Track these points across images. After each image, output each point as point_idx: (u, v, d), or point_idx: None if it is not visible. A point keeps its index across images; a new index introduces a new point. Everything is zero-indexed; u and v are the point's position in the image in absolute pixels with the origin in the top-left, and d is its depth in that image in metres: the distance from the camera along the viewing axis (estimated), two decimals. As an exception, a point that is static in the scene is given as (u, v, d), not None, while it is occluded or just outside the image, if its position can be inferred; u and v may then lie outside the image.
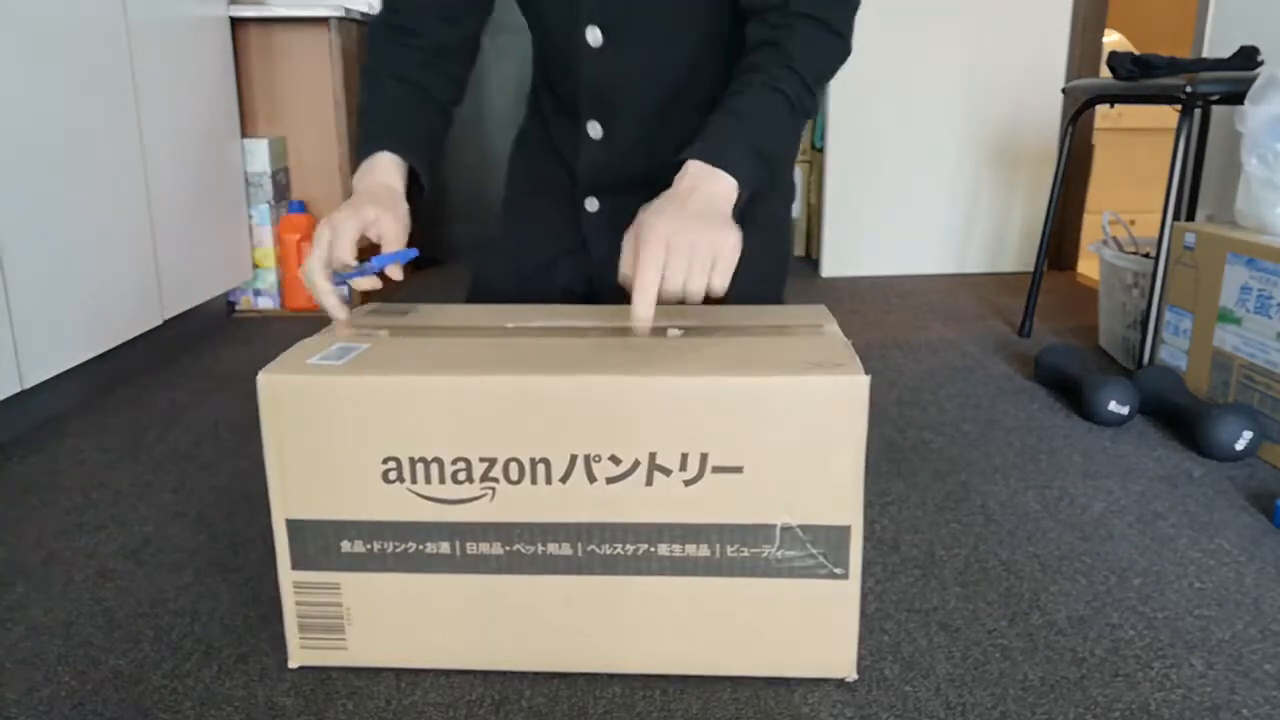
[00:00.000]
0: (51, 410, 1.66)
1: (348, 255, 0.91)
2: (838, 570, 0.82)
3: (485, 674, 0.89)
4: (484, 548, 0.84)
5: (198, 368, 1.96)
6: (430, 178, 1.05)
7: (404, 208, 0.97)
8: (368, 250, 0.95)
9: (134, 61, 1.84)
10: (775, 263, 1.14)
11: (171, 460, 1.45)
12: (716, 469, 0.80)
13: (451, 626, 0.88)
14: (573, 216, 1.15)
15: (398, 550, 0.85)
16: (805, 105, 0.93)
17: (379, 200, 0.94)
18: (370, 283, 0.94)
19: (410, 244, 0.96)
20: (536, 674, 0.89)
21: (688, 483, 0.81)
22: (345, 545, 0.85)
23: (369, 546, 0.85)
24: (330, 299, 0.92)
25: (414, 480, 0.83)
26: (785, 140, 0.95)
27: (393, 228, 0.93)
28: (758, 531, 0.81)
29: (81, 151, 1.68)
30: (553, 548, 0.84)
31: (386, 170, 0.99)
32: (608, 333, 0.90)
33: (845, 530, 0.81)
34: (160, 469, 1.42)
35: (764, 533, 0.81)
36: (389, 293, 0.99)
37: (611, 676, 0.89)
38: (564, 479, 0.81)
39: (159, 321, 1.94)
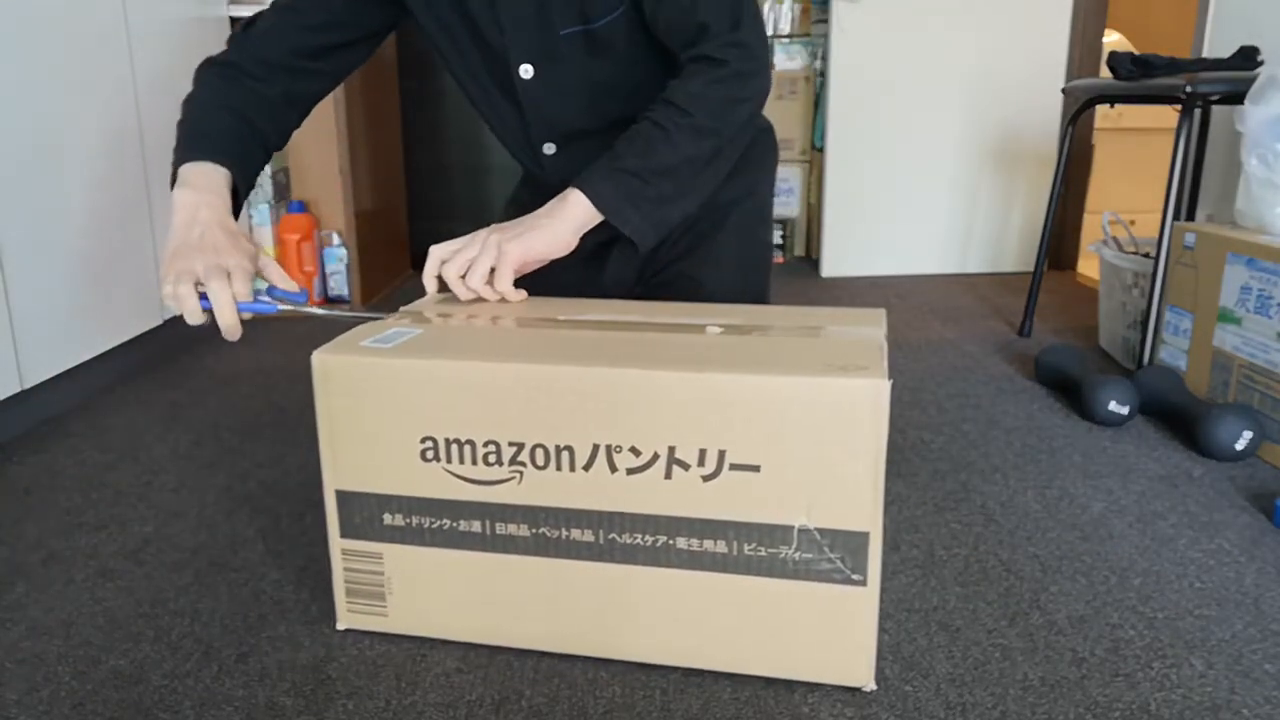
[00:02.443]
0: (51, 410, 1.66)
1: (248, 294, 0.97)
2: (855, 577, 0.81)
3: (485, 674, 0.89)
4: (512, 529, 0.87)
5: (198, 368, 1.96)
6: (241, 203, 1.08)
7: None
8: None
9: (134, 61, 1.84)
10: (758, 256, 1.22)
11: (171, 460, 1.45)
12: (734, 466, 0.80)
13: (481, 603, 0.91)
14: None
15: (434, 525, 0.89)
16: (680, 124, 0.99)
17: (243, 243, 1.00)
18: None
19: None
20: (536, 674, 0.89)
21: (706, 478, 0.81)
22: (387, 518, 0.90)
23: (408, 520, 0.89)
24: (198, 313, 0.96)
25: (449, 460, 0.86)
26: (658, 155, 1.00)
27: (276, 269, 1.02)
28: (775, 531, 0.81)
29: (81, 151, 1.68)
30: (576, 533, 0.86)
31: (217, 197, 1.01)
32: (654, 328, 0.92)
33: (864, 536, 0.80)
34: (160, 469, 1.42)
35: (781, 533, 0.81)
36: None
37: (611, 677, 0.89)
38: (587, 467, 0.83)
39: (159, 321, 1.94)
